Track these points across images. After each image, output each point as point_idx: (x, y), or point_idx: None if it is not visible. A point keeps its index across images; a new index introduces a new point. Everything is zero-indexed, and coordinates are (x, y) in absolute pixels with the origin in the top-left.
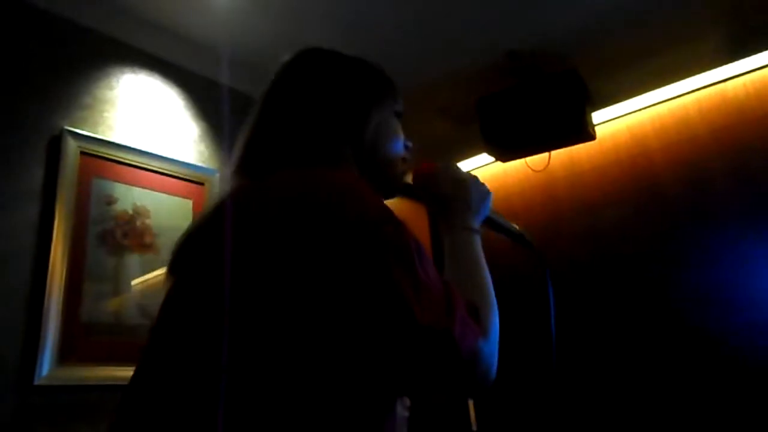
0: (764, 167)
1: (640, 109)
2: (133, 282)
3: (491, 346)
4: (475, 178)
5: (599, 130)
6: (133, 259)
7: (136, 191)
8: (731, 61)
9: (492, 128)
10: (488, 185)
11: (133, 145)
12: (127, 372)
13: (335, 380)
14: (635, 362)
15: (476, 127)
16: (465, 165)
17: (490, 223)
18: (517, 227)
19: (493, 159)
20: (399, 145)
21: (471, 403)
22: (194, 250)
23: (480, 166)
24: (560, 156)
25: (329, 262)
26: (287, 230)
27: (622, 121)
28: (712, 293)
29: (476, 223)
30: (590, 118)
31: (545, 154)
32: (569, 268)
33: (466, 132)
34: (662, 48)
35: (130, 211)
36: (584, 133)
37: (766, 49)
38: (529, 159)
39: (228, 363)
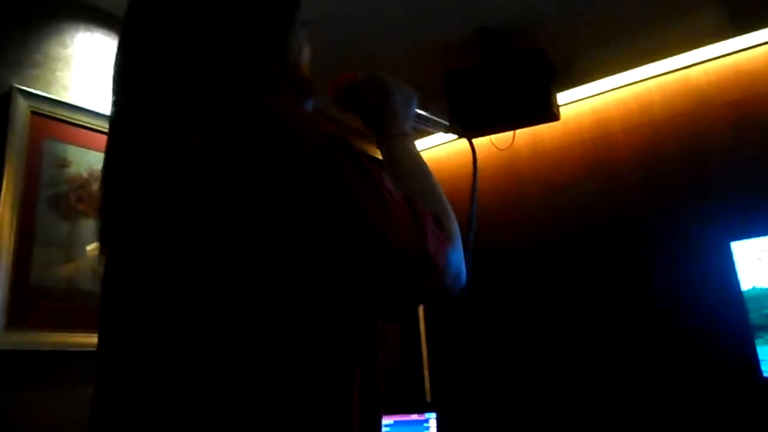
0: (717, 155)
1: (604, 92)
2: (88, 247)
3: (458, 251)
4: (397, 81)
5: (564, 111)
6: (88, 225)
7: (92, 155)
8: (695, 48)
9: (459, 104)
10: (453, 162)
11: (88, 107)
12: (81, 338)
13: (310, 312)
14: (592, 340)
15: (443, 102)
16: (429, 140)
17: (419, 122)
18: (446, 120)
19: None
20: (307, 53)
21: (426, 374)
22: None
23: (445, 141)
24: (525, 135)
25: (294, 199)
26: (248, 170)
27: (587, 102)
28: (665, 277)
29: (409, 127)
30: (555, 98)
31: (510, 133)
32: (531, 246)
33: (432, 106)
34: (629, 32)
35: (85, 175)
36: (549, 113)
37: (729, 38)
38: (494, 137)
39: (197, 305)
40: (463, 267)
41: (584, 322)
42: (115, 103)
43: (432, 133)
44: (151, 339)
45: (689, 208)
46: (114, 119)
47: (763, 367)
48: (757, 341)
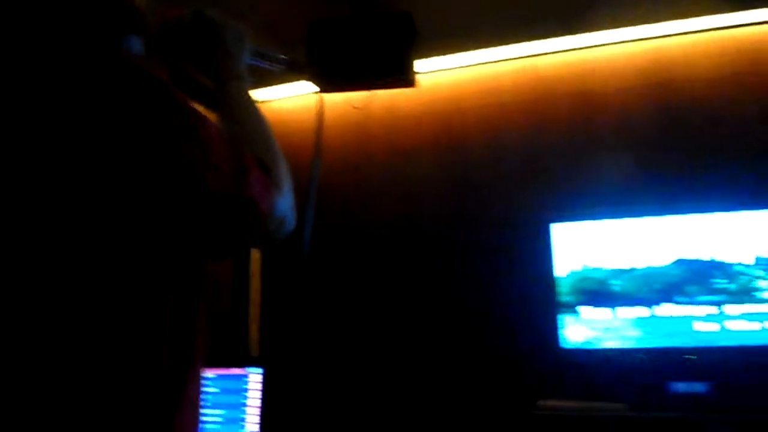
0: (551, 142)
1: (462, 67)
2: None
3: (286, 198)
4: (227, 18)
5: (422, 80)
6: None
7: None
8: (543, 39)
9: (319, 56)
10: (305, 116)
11: None
12: None
13: (128, 257)
14: (420, 308)
15: (302, 52)
16: (283, 90)
17: (257, 59)
18: (283, 56)
19: (315, 88)
20: None
21: (254, 327)
22: None
23: (300, 93)
24: (382, 97)
25: (115, 141)
26: (70, 114)
27: (445, 74)
28: (491, 252)
29: (242, 68)
30: (414, 64)
31: (367, 93)
32: (374, 209)
33: (290, 54)
34: (496, 8)
35: None
36: (406, 78)
37: (574, 33)
38: (350, 95)
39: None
40: (291, 214)
41: (416, 290)
42: None
43: (274, 72)
44: None
45: (521, 191)
46: None
47: (560, 338)
48: (561, 317)
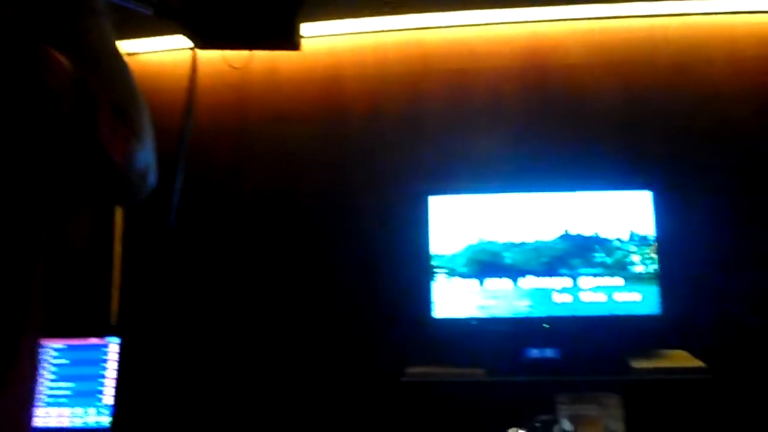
0: (431, 115)
1: (347, 34)
2: None
3: (146, 148)
4: None
5: (307, 44)
6: None
7: None
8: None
9: (195, 10)
10: (178, 73)
11: None
12: None
13: None
14: (292, 277)
15: (176, 4)
16: (154, 43)
17: None
18: None
19: (190, 44)
20: None
21: (115, 294)
22: None
23: (173, 48)
24: (263, 59)
25: None
26: None
27: (330, 40)
28: (370, 221)
29: (100, 3)
30: (300, 27)
31: (247, 53)
32: (250, 180)
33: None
34: None
35: None
36: (291, 41)
37: (457, 10)
38: (228, 53)
39: None
40: (153, 169)
41: (291, 259)
42: None
43: (140, 15)
44: None
45: (400, 163)
46: None
47: (432, 308)
48: (433, 287)
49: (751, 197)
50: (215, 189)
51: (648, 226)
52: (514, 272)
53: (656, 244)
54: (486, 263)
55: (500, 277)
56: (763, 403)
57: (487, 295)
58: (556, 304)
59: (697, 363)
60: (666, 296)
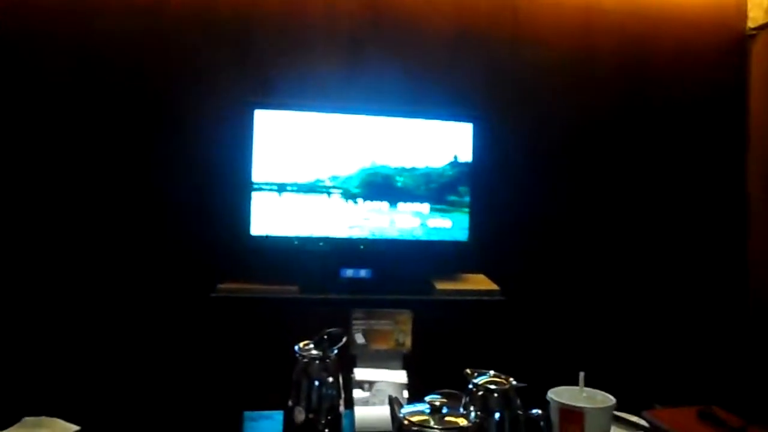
0: (261, 34)
1: None
2: None
3: None
4: None
5: None
6: None
7: None
8: None
9: None
10: None
11: None
12: None
13: None
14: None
15: None
16: None
17: None
18: None
19: None
20: None
21: None
22: None
23: None
24: None
25: None
26: None
27: None
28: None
29: None
30: None
31: None
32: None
33: None
34: None
35: None
36: None
37: None
38: None
39: None
40: None
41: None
42: None
43: None
44: None
45: (228, 75)
46: None
47: (251, 225)
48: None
49: (562, 137)
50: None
51: (465, 157)
52: (335, 193)
53: (471, 174)
54: (310, 184)
55: (321, 194)
56: (546, 323)
57: (308, 215)
58: (373, 227)
59: (493, 286)
60: (474, 224)
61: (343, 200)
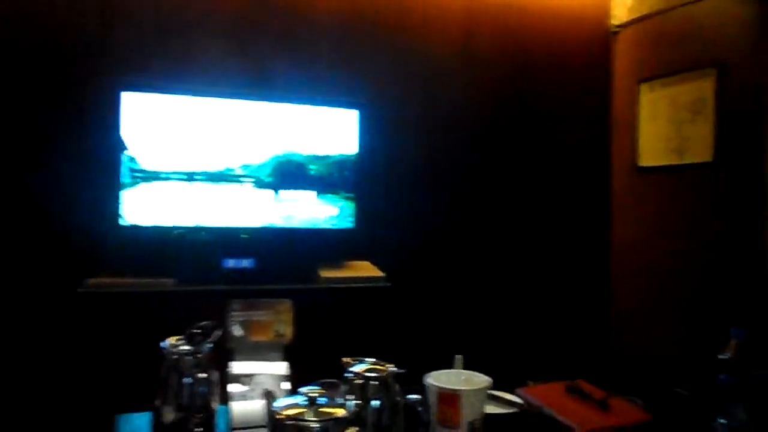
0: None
1: None
2: None
3: None
4: None
5: None
6: None
7: None
8: None
9: None
10: None
11: None
12: None
13: None
14: None
15: None
16: None
17: None
18: None
19: None
20: None
21: None
22: None
23: None
24: None
25: None
26: None
27: None
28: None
29: None
30: None
31: None
32: None
33: None
34: None
35: None
36: None
37: None
38: None
39: None
40: None
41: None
42: None
43: None
44: None
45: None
46: None
47: (120, 215)
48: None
49: (447, 126)
50: None
51: (352, 144)
52: (220, 180)
53: (357, 162)
54: (192, 173)
55: (204, 182)
56: (428, 309)
57: (190, 204)
58: (257, 215)
59: (378, 273)
60: (360, 212)
61: (228, 188)
